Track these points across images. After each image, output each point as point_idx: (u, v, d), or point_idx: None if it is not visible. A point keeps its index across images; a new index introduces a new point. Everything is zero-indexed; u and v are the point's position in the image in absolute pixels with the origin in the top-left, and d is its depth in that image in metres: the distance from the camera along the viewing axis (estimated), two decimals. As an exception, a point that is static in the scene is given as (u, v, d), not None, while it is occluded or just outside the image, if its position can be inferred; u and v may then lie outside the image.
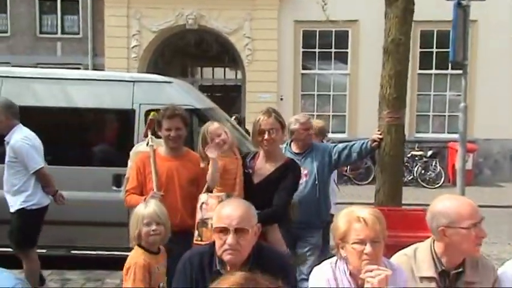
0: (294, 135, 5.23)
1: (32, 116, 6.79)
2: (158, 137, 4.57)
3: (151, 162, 4.31)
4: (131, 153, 5.03)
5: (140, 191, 4.37)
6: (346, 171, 15.44)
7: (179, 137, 4.39)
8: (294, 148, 5.28)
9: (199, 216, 3.98)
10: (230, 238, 2.65)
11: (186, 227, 4.11)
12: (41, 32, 18.17)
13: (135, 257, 3.41)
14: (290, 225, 4.78)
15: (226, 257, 2.68)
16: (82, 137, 7.05)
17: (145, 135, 4.71)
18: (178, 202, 4.28)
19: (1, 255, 5.41)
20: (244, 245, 2.69)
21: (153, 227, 3.43)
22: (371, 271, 2.46)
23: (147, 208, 3.47)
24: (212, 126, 4.21)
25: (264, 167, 4.24)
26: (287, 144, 5.33)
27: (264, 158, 4.27)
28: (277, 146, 4.29)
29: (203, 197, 4.01)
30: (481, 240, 2.66)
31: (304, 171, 5.09)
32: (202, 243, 3.66)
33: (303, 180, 5.06)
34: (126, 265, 3.42)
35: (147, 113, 5.87)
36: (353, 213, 2.59)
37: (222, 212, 2.73)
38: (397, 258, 2.86)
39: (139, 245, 3.46)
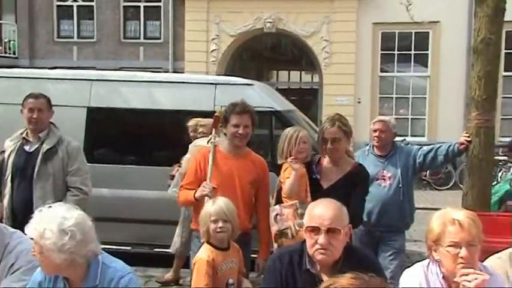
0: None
1: (118, 117, 7.13)
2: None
3: (210, 155, 4.09)
4: (190, 146, 5.03)
5: (196, 187, 4.07)
6: (426, 175, 15.06)
7: (246, 135, 4.13)
8: (376, 151, 5.22)
9: (275, 228, 3.96)
10: (322, 238, 2.64)
11: (245, 229, 4.00)
12: (124, 37, 18.81)
13: (201, 253, 3.47)
14: (368, 232, 4.74)
15: (318, 257, 2.67)
16: (166, 138, 7.22)
17: (210, 133, 4.50)
18: (240, 203, 4.01)
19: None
20: (336, 245, 2.67)
21: (220, 224, 3.46)
22: (467, 275, 2.41)
23: (214, 205, 3.50)
24: (303, 132, 4.16)
25: (331, 173, 4.19)
26: (370, 147, 5.27)
27: (331, 164, 4.22)
28: (342, 155, 4.22)
29: (276, 208, 4.01)
30: None
31: (387, 174, 5.06)
32: None
33: (386, 183, 5.03)
34: (193, 261, 3.50)
35: None
36: (448, 215, 2.53)
37: (314, 212, 2.72)
38: (491, 262, 2.81)
39: (208, 242, 3.50)
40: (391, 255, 4.96)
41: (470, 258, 2.46)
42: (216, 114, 4.38)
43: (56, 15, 19.00)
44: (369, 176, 4.37)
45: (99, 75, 7.47)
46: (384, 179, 5.08)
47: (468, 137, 5.10)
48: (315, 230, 2.67)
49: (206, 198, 3.88)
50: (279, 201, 4.08)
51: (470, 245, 2.47)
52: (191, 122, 6.30)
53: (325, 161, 4.23)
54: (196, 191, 4.01)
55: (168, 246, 6.76)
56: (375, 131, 5.16)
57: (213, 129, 4.32)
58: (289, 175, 4.00)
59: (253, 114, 4.16)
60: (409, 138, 15.12)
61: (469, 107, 5.22)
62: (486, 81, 5.05)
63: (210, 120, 4.80)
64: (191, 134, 6.20)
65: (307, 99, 20.19)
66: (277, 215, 3.97)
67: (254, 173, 4.21)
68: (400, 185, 5.01)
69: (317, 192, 3.99)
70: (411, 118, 17.11)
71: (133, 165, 7.06)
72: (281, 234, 3.91)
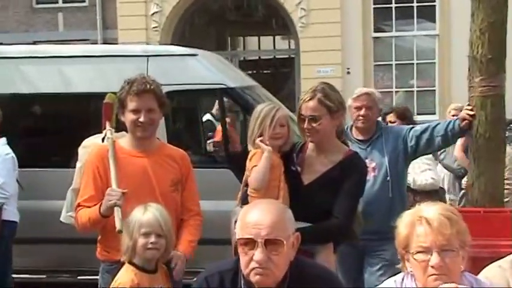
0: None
1: (22, 106, 7.07)
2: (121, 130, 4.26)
3: (110, 156, 3.92)
4: (80, 149, 4.87)
5: (99, 202, 3.87)
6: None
7: (152, 123, 3.96)
8: (355, 134, 5.19)
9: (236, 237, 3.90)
10: (259, 253, 2.59)
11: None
12: (37, 2, 18.67)
13: (122, 277, 3.45)
14: (355, 241, 4.70)
15: (255, 278, 2.64)
16: (86, 131, 7.08)
17: (104, 128, 4.27)
18: None
19: None
20: (278, 262, 2.63)
21: (153, 239, 3.44)
22: None
23: (146, 213, 3.46)
24: (282, 112, 4.05)
25: (315, 163, 4.10)
26: (347, 129, 5.23)
27: (315, 151, 4.13)
28: (327, 137, 4.13)
29: (237, 210, 3.89)
30: None
31: (371, 165, 5.00)
32: None
33: (370, 176, 4.93)
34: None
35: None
36: (417, 213, 2.53)
37: (247, 219, 2.68)
38: (489, 272, 2.85)
39: (131, 262, 3.46)
40: (380, 269, 4.95)
41: (445, 268, 2.45)
42: (106, 100, 4.23)
43: None
44: (366, 169, 4.32)
45: (-1, 52, 7.39)
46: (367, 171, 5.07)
47: (471, 110, 5.11)
48: (249, 243, 2.63)
49: (116, 209, 3.73)
50: (245, 202, 3.97)
51: (444, 250, 2.46)
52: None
53: (310, 148, 4.16)
54: (100, 206, 3.84)
55: (97, 272, 6.70)
56: (358, 108, 5.10)
57: (106, 122, 4.17)
58: (258, 163, 3.92)
59: (159, 92, 4.00)
60: (415, 117, 15.07)
61: (471, 70, 5.22)
62: (491, 35, 5.05)
63: None
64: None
65: (283, 72, 20.26)
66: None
67: (175, 171, 4.09)
68: (388, 178, 4.99)
69: (296, 189, 3.95)
70: (417, 90, 17.27)
71: (46, 168, 6.98)
72: None
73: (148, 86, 3.90)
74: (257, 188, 3.92)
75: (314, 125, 3.98)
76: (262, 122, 3.99)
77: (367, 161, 4.97)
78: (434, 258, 2.45)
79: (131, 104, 3.90)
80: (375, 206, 4.95)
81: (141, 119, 3.89)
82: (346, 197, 3.96)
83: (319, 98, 3.98)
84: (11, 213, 6.17)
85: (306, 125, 4.01)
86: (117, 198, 3.73)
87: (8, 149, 6.21)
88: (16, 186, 6.26)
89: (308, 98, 4.01)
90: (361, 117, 5.11)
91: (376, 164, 5.02)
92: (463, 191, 7.11)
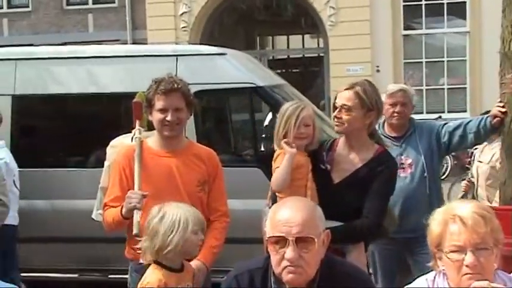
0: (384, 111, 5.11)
1: (53, 107, 7.14)
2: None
3: (135, 156, 3.91)
4: (108, 149, 4.87)
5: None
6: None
7: (179, 122, 3.94)
8: (388, 130, 5.16)
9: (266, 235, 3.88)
10: (290, 251, 2.58)
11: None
12: (68, 3, 18.81)
13: (150, 277, 3.40)
14: (388, 239, 4.66)
15: (287, 277, 2.62)
16: (116, 131, 7.14)
17: (134, 127, 4.24)
18: None
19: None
20: (309, 260, 2.61)
21: (202, 235, 3.44)
22: None
23: (186, 209, 3.41)
24: (307, 111, 3.99)
25: (345, 161, 4.05)
26: (379, 126, 5.19)
27: (346, 148, 4.08)
28: (355, 132, 4.08)
29: (267, 211, 3.86)
30: None
31: (407, 161, 5.03)
32: None
33: (406, 172, 4.99)
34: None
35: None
36: (449, 211, 2.49)
37: (278, 217, 2.66)
38: None
39: (157, 262, 3.43)
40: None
41: (480, 267, 2.41)
42: (135, 99, 4.23)
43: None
44: (396, 167, 4.27)
45: (25, 53, 7.43)
46: (404, 168, 5.01)
47: (503, 107, 5.04)
48: (280, 241, 2.61)
49: (135, 211, 3.72)
50: (275, 201, 3.93)
51: (479, 249, 2.43)
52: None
53: (340, 146, 4.12)
54: (122, 207, 3.84)
55: (126, 271, 6.73)
56: (393, 104, 5.08)
57: (136, 120, 4.16)
58: (281, 164, 3.89)
59: (187, 92, 3.97)
60: (445, 115, 15.11)
61: (502, 66, 5.16)
62: (524, 30, 5.00)
63: None
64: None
65: (312, 71, 20.20)
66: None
67: (201, 171, 4.05)
68: (425, 174, 4.97)
69: (325, 188, 3.92)
70: (447, 88, 17.15)
71: (76, 168, 7.01)
72: None
73: (175, 85, 3.88)
74: (277, 190, 3.92)
75: (343, 115, 3.94)
76: (287, 121, 3.95)
77: (402, 157, 5.03)
78: (469, 258, 2.42)
79: (158, 103, 3.88)
80: (413, 203, 4.94)
81: (168, 118, 3.88)
82: (376, 195, 3.92)
83: (356, 91, 3.93)
84: (10, 218, 5.92)
85: (335, 113, 3.98)
86: (137, 201, 3.71)
87: (3, 154, 6.13)
88: (13, 190, 6.11)
89: (346, 88, 3.97)
90: (396, 114, 5.09)
91: (412, 161, 5.01)
92: (462, 193, 7.05)
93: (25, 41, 16.97)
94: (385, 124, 5.20)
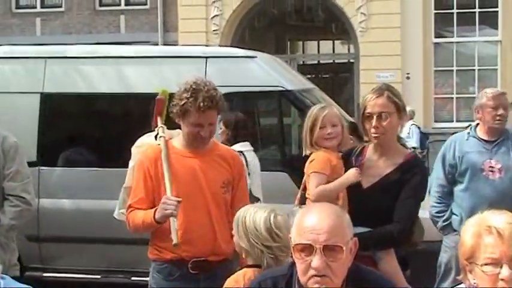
0: (480, 114, 5.06)
1: (81, 105, 7.17)
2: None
3: (163, 156, 3.86)
4: (133, 149, 4.84)
5: (150, 204, 3.88)
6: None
7: (211, 136, 3.94)
8: (481, 133, 5.13)
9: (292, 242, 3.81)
10: (317, 260, 2.50)
11: (223, 254, 3.88)
12: (101, 4, 18.99)
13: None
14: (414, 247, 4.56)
15: (313, 286, 2.55)
16: (144, 131, 7.14)
17: (155, 124, 4.21)
18: (212, 217, 3.86)
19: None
20: (336, 269, 2.54)
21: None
22: None
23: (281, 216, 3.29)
24: (330, 110, 3.98)
25: (376, 166, 3.98)
26: (472, 129, 5.20)
27: (377, 153, 4.00)
28: (392, 137, 4.01)
29: (296, 211, 3.79)
30: None
31: (497, 166, 5.05)
32: None
33: (495, 176, 5.06)
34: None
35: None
36: (483, 222, 2.41)
37: (304, 223, 2.58)
38: None
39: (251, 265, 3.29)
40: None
41: None
42: (158, 96, 4.18)
43: (12, -20, 19.26)
44: (427, 172, 4.20)
45: (55, 52, 7.49)
46: (493, 171, 5.07)
47: None
48: (306, 249, 2.54)
49: (172, 219, 3.65)
50: (304, 203, 3.94)
51: None
52: None
53: (369, 151, 4.04)
54: (155, 211, 3.77)
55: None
56: (496, 107, 5.02)
57: (158, 118, 4.12)
58: (317, 170, 3.84)
59: (222, 107, 3.91)
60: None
61: None
62: None
63: None
64: None
65: (342, 77, 20.16)
66: None
67: (226, 172, 4.00)
68: None
69: (355, 193, 3.84)
70: (479, 97, 16.92)
71: (103, 167, 7.02)
72: None
73: (214, 103, 3.79)
74: (317, 199, 3.80)
75: (383, 123, 3.84)
76: (314, 124, 3.92)
77: (492, 161, 5.09)
78: (505, 271, 2.33)
79: (194, 118, 3.79)
80: (504, 205, 4.89)
81: (203, 134, 3.85)
82: (407, 200, 3.85)
83: (388, 95, 3.87)
84: None
85: (374, 123, 3.86)
86: (174, 209, 3.66)
87: None
88: None
89: (376, 95, 3.87)
90: (498, 117, 5.05)
91: (502, 166, 5.05)
92: None
93: (57, 40, 17.06)
94: (479, 126, 5.16)
